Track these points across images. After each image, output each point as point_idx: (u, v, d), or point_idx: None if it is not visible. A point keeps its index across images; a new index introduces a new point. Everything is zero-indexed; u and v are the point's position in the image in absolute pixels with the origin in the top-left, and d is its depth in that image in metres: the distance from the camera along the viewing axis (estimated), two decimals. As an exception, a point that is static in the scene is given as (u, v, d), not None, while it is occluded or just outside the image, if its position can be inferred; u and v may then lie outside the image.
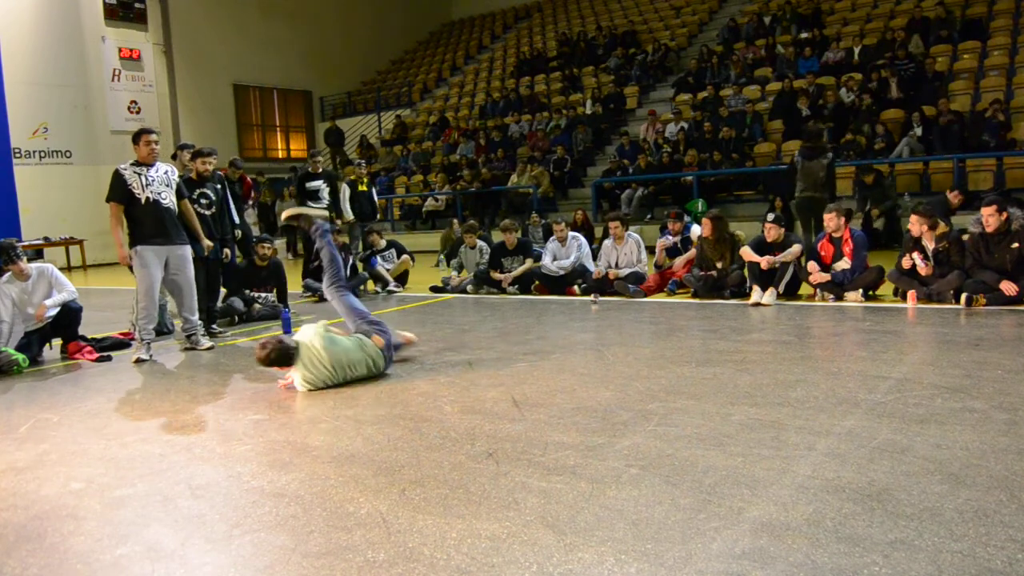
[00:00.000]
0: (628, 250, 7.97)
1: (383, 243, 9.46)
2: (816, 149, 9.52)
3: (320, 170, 9.94)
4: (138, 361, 5.74)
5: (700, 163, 13.47)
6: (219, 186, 7.27)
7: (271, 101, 23.07)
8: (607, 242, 8.10)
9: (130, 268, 5.89)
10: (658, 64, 18.04)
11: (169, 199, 5.91)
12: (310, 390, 4.42)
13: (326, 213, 4.89)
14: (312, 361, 4.38)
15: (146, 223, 5.78)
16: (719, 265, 7.29)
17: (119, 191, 5.77)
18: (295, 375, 4.45)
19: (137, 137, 5.93)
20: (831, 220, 6.73)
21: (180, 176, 6.33)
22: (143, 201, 5.77)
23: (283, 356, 4.38)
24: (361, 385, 4.53)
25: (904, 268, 6.39)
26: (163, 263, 5.86)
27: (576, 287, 8.01)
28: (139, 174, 5.82)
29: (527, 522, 2.48)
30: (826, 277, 6.64)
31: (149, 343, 5.88)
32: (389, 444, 3.38)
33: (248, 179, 9.26)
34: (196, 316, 6.15)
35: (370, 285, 9.22)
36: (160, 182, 5.88)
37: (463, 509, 2.62)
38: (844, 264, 6.69)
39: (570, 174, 15.69)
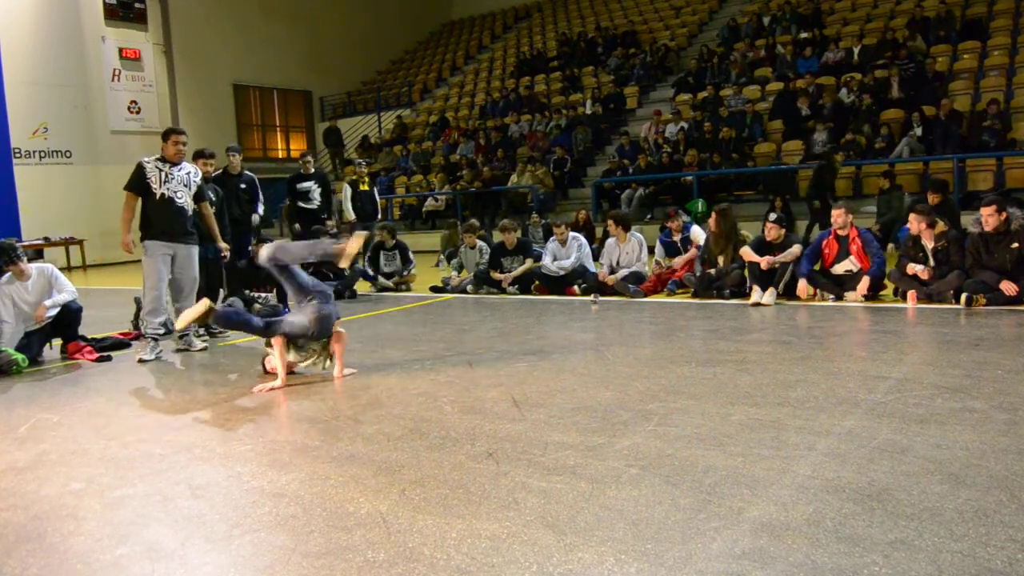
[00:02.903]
0: (630, 248, 7.99)
1: (392, 242, 9.44)
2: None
3: (312, 171, 9.94)
4: (141, 361, 5.74)
5: (700, 163, 13.47)
6: (244, 185, 7.56)
7: (271, 101, 23.06)
8: (610, 240, 8.14)
9: (130, 252, 6.01)
10: (658, 64, 18.04)
11: (184, 199, 5.97)
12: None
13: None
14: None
15: (157, 219, 5.85)
16: (720, 260, 7.29)
17: (136, 181, 5.88)
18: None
19: (166, 135, 6.05)
20: (839, 216, 6.69)
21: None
22: (157, 196, 5.85)
23: None
24: (361, 385, 4.53)
25: (904, 271, 6.39)
26: (169, 259, 5.90)
27: (576, 287, 8.01)
28: (160, 169, 5.91)
29: (527, 522, 2.48)
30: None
31: (155, 340, 5.89)
32: (389, 444, 3.38)
33: None
34: None
35: (366, 286, 9.20)
36: (179, 181, 5.95)
37: (463, 509, 2.62)
38: (849, 264, 6.68)
39: (570, 174, 15.69)
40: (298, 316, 4.66)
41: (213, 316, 4.71)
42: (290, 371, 4.75)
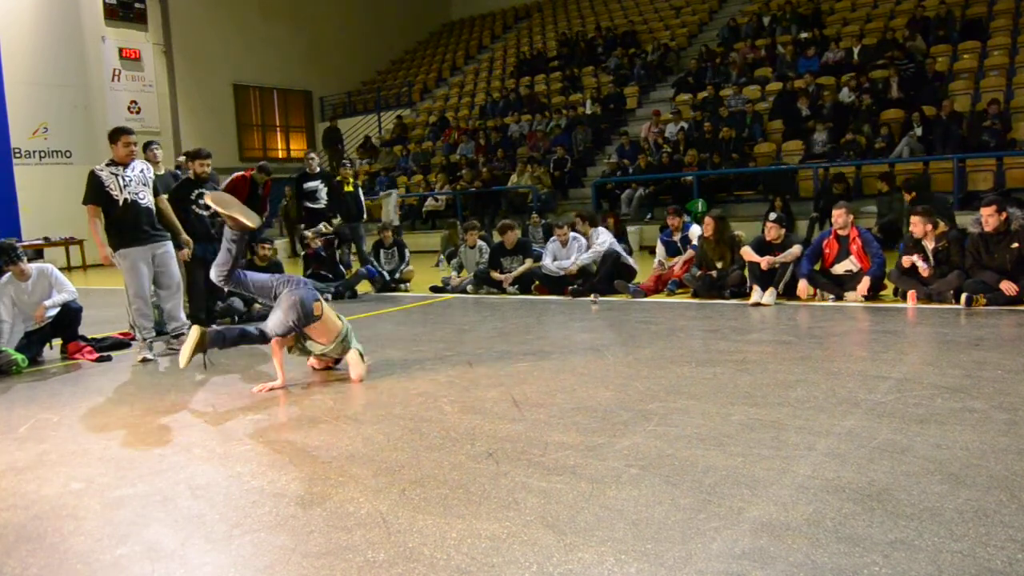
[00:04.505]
0: (572, 247, 8.24)
1: (391, 240, 9.51)
2: None
3: (317, 170, 9.93)
4: (144, 361, 5.73)
5: (700, 163, 13.47)
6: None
7: (271, 101, 23.06)
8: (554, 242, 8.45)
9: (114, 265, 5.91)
10: (658, 64, 18.04)
11: (147, 198, 5.86)
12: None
13: (255, 221, 4.55)
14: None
15: (126, 225, 5.74)
16: (719, 265, 7.28)
17: (95, 193, 5.71)
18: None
19: (115, 137, 5.83)
20: (840, 216, 6.67)
21: (158, 175, 6.36)
22: (121, 203, 5.71)
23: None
24: (361, 385, 4.53)
25: (904, 268, 6.39)
26: (149, 261, 5.83)
27: (576, 286, 7.98)
28: (116, 175, 5.75)
29: (527, 522, 2.48)
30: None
31: (151, 341, 5.89)
32: (389, 444, 3.38)
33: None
34: (183, 315, 6.15)
35: (366, 286, 9.20)
36: (137, 181, 5.82)
37: (463, 509, 2.62)
38: (849, 264, 6.67)
39: (570, 174, 15.69)
40: (275, 314, 4.64)
41: (209, 339, 4.64)
42: (328, 367, 4.99)
